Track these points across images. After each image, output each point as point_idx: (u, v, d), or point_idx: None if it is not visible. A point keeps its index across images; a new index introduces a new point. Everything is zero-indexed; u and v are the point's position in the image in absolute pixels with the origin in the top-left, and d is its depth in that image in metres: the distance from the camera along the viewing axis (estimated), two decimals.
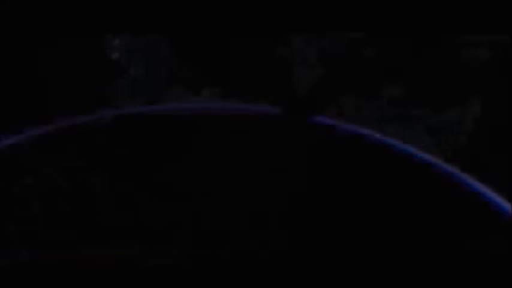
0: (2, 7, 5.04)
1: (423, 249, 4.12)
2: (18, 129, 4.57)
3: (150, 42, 5.42)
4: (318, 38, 5.35)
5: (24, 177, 4.40)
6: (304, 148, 4.54)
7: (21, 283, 3.99)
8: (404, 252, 4.12)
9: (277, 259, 4.12)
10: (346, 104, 5.18)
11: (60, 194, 4.36)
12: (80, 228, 4.22)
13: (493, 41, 5.26)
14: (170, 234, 4.23)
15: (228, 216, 4.31)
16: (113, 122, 4.63)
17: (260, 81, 5.28)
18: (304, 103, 4.91)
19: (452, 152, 4.91)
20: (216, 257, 4.12)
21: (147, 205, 4.33)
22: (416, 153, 4.55)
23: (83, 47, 5.38)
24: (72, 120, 4.68)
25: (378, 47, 5.33)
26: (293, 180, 4.43)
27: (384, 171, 4.46)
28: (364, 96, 5.23)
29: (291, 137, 4.60)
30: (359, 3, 5.18)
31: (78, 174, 4.44)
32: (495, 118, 5.07)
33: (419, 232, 4.21)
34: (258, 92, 5.17)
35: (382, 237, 4.19)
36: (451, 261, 4.05)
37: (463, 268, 4.01)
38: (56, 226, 4.23)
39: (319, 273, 4.05)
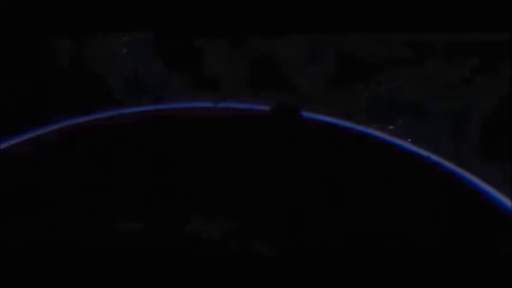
0: (2, 7, 5.04)
1: (424, 247, 4.12)
2: (22, 129, 4.59)
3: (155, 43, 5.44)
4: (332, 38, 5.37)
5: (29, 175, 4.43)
6: (296, 146, 4.54)
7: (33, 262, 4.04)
8: (404, 251, 4.11)
9: (276, 259, 4.13)
10: (354, 98, 5.21)
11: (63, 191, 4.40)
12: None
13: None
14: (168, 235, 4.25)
15: (226, 216, 4.32)
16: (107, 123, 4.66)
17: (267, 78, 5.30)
18: (294, 103, 4.89)
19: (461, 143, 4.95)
20: (215, 258, 4.13)
21: (141, 205, 4.35)
22: (416, 150, 4.54)
23: (86, 46, 5.39)
24: (75, 120, 4.70)
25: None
26: (284, 177, 4.44)
27: (383, 170, 4.45)
28: (372, 89, 5.26)
29: (282, 135, 4.60)
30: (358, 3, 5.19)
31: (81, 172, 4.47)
32: (499, 115, 5.08)
33: (420, 231, 4.20)
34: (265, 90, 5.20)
35: (382, 236, 4.18)
36: (451, 259, 4.04)
37: (464, 266, 4.00)
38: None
39: (316, 273, 4.05)
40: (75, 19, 5.16)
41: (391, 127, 5.01)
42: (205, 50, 5.40)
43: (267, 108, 4.75)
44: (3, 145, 4.53)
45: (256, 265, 4.09)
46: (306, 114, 4.71)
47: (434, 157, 4.53)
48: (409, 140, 4.78)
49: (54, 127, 4.66)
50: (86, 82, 5.29)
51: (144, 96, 5.18)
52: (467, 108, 5.18)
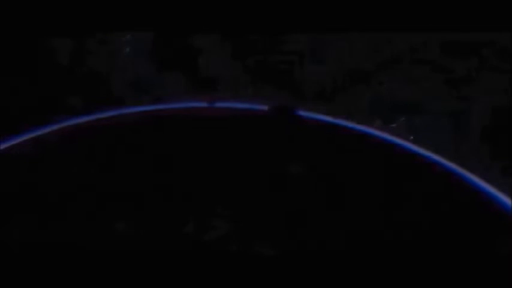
0: (2, 7, 5.05)
1: (423, 247, 4.11)
2: (22, 129, 4.59)
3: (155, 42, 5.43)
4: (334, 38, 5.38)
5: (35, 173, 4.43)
6: (296, 146, 4.54)
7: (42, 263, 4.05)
8: (404, 251, 4.10)
9: (276, 259, 4.13)
10: (355, 98, 5.21)
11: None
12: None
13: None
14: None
15: (226, 217, 4.31)
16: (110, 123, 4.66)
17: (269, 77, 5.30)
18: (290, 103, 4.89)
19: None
20: (215, 258, 4.13)
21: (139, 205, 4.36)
22: (416, 149, 4.53)
23: (86, 45, 5.39)
24: (75, 120, 4.69)
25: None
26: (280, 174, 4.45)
27: (382, 169, 4.45)
28: (374, 89, 5.27)
29: (282, 135, 4.60)
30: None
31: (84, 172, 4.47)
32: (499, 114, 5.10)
33: (419, 230, 4.20)
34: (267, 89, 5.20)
35: (381, 236, 4.18)
36: (451, 259, 4.03)
37: (463, 265, 4.00)
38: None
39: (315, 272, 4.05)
40: (75, 19, 5.16)
41: (393, 125, 5.02)
42: (205, 49, 5.41)
43: (265, 108, 4.74)
44: (4, 145, 4.53)
45: (256, 265, 4.09)
46: (307, 113, 4.71)
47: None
48: (411, 138, 4.80)
49: (54, 127, 4.66)
50: (86, 82, 5.29)
51: (144, 96, 5.18)
52: (467, 108, 5.18)
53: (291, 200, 4.37)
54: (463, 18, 5.14)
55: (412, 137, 4.81)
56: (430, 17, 5.17)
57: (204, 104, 4.77)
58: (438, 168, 4.48)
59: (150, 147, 4.58)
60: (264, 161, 4.51)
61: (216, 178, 4.45)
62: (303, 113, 4.72)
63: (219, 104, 4.77)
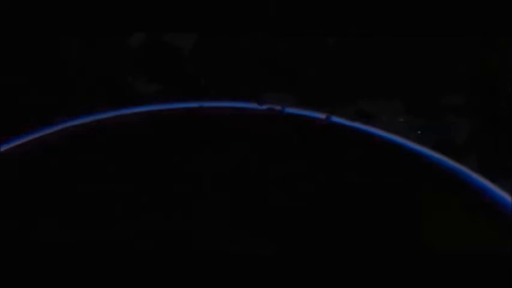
0: (2, 7, 5.07)
1: (422, 246, 4.11)
2: (23, 130, 4.60)
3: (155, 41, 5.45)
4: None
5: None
6: (295, 145, 4.55)
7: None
8: (403, 251, 4.11)
9: (276, 259, 4.13)
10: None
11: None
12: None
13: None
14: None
15: (226, 217, 4.33)
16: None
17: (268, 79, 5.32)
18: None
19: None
20: (215, 258, 4.14)
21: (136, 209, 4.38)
22: (415, 147, 4.54)
23: (87, 46, 5.41)
24: (76, 121, 4.71)
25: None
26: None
27: (382, 168, 4.45)
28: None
29: (287, 133, 4.61)
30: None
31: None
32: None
33: (418, 229, 4.20)
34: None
35: (381, 236, 4.18)
36: (450, 258, 4.04)
37: (463, 265, 4.00)
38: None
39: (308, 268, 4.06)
40: (76, 19, 5.18)
41: (401, 120, 5.05)
42: (204, 49, 5.42)
43: (264, 108, 4.76)
44: (4, 146, 4.54)
45: (256, 265, 4.09)
46: (310, 114, 4.73)
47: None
48: (419, 132, 4.83)
49: (55, 128, 4.67)
50: (87, 82, 5.31)
51: (144, 96, 5.20)
52: (467, 108, 5.20)
53: (290, 199, 4.37)
54: (463, 22, 5.17)
55: (419, 132, 4.85)
56: (431, 20, 5.20)
57: (199, 104, 4.79)
58: (437, 166, 4.49)
59: (149, 146, 4.59)
60: (264, 160, 4.52)
61: (215, 178, 4.46)
62: (304, 113, 4.74)
63: (218, 104, 4.79)
